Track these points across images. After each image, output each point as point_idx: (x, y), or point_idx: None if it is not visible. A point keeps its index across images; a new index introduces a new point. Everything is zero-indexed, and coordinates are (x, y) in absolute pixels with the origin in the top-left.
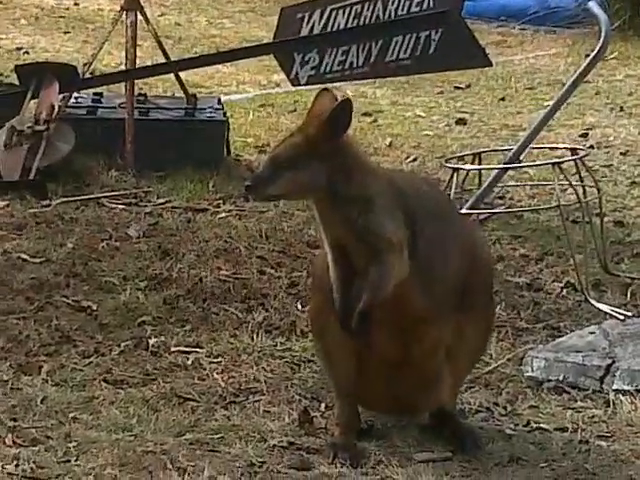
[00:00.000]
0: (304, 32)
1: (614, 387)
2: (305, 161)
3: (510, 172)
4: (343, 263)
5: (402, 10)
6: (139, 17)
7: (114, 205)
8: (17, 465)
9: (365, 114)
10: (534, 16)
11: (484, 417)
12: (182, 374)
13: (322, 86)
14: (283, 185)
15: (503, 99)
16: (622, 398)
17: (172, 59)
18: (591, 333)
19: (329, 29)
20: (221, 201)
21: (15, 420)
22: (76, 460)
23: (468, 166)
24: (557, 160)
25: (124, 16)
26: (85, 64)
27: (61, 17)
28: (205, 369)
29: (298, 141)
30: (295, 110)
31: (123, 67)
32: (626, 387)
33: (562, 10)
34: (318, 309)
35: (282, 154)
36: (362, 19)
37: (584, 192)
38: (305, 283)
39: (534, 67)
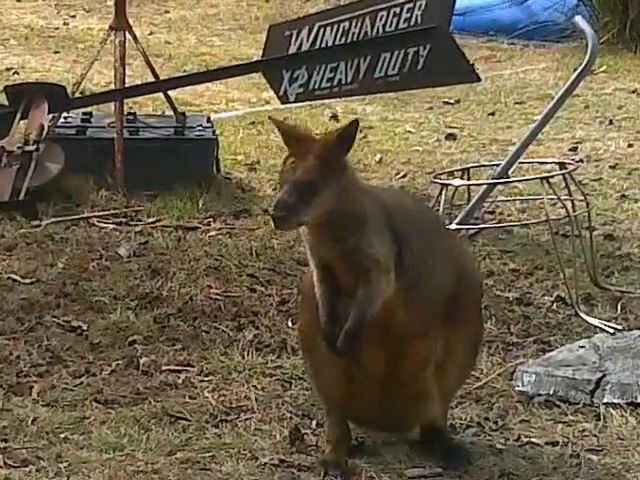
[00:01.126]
0: (292, 49)
1: (605, 401)
2: (326, 183)
3: (499, 187)
4: (329, 282)
5: (390, 26)
6: (128, 36)
7: (104, 225)
8: None
9: None
10: (523, 30)
11: (475, 432)
12: (173, 393)
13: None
14: (313, 210)
15: (493, 114)
16: (613, 412)
17: (161, 77)
18: (581, 347)
19: (317, 46)
20: (211, 219)
21: (6, 441)
22: None
23: (457, 181)
24: (546, 175)
25: (113, 35)
26: (74, 84)
27: (50, 37)
28: (196, 388)
29: (314, 164)
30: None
31: (112, 86)
32: (616, 400)
33: (551, 24)
34: (307, 326)
35: (304, 179)
36: (350, 36)
37: (573, 206)
38: (295, 301)
39: (523, 81)
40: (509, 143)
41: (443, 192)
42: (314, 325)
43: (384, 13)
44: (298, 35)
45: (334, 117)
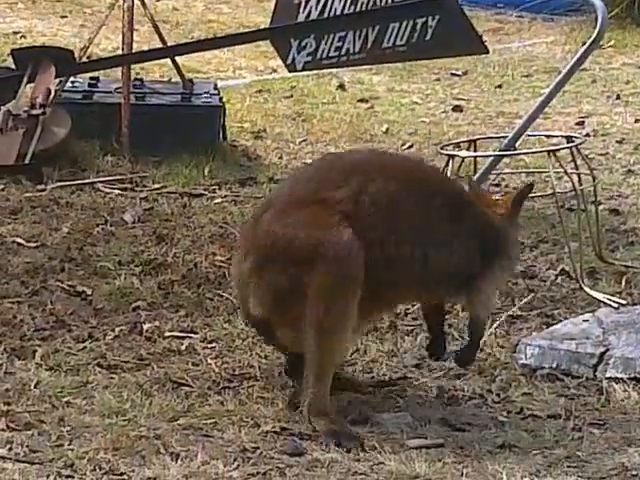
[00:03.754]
0: (301, 18)
1: (607, 375)
2: None
3: (505, 159)
4: None
5: None
6: (136, 1)
7: (109, 190)
8: (10, 449)
9: (361, 100)
10: (531, 3)
11: (477, 404)
12: (176, 359)
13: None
14: None
15: (500, 86)
16: (615, 386)
17: (169, 44)
18: (585, 321)
19: (326, 15)
20: (217, 187)
21: (9, 404)
22: (69, 444)
23: (464, 153)
24: (553, 148)
25: (121, 1)
26: (82, 48)
27: (58, 1)
28: (199, 354)
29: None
30: (292, 96)
31: (120, 52)
32: (619, 375)
33: None
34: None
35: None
36: (359, 5)
37: (579, 180)
38: None
39: (531, 55)
40: (516, 116)
41: (450, 163)
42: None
43: None
44: (307, 3)
45: (341, 87)
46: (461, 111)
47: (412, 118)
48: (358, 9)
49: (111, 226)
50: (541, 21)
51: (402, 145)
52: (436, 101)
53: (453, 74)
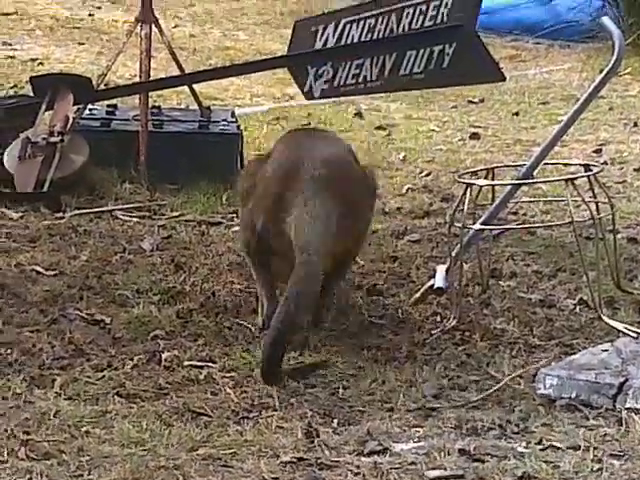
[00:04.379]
0: (318, 45)
1: (627, 405)
2: None
3: (523, 188)
4: None
5: (416, 24)
6: (154, 29)
7: (128, 218)
8: (30, 479)
9: (379, 128)
10: (548, 30)
11: (496, 435)
12: (195, 388)
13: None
14: None
15: (517, 114)
16: (635, 417)
17: (186, 71)
18: (604, 351)
19: (343, 42)
20: (234, 214)
21: (28, 433)
22: (89, 474)
23: (481, 181)
24: (570, 176)
25: (139, 28)
26: (99, 76)
27: (76, 28)
28: (218, 384)
29: None
30: (309, 123)
31: (137, 79)
32: (639, 406)
33: (576, 25)
34: None
35: None
36: (376, 32)
37: (597, 208)
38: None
39: (548, 82)
40: (533, 143)
41: (467, 192)
42: None
43: (410, 10)
44: (324, 31)
45: (358, 114)
46: (478, 139)
47: (429, 146)
48: (375, 37)
49: (129, 254)
50: (558, 48)
51: (419, 173)
52: (453, 129)
53: (470, 101)
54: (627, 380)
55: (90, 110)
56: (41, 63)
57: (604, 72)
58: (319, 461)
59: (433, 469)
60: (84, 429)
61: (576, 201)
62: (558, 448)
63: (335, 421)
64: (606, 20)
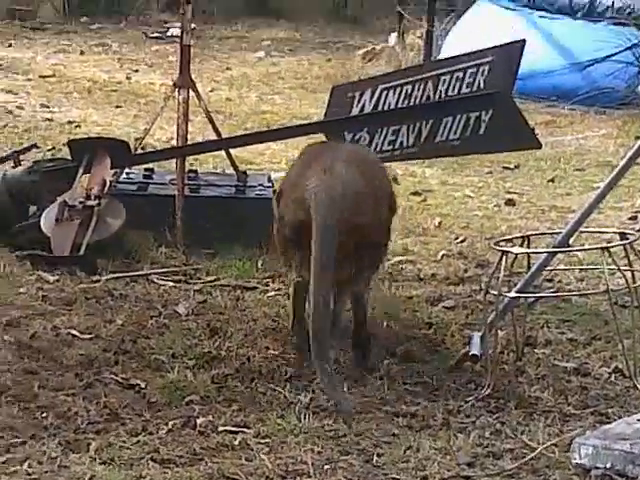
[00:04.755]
0: (355, 111)
1: None
2: None
3: (559, 255)
4: None
5: (453, 91)
6: (191, 93)
7: (163, 282)
8: None
9: (414, 193)
10: (584, 96)
11: None
12: (229, 454)
13: None
14: None
15: (552, 180)
16: None
17: (223, 135)
18: (639, 420)
19: (380, 108)
20: (270, 279)
21: None
22: None
23: (517, 249)
24: (606, 245)
25: (176, 93)
26: (136, 139)
27: (113, 91)
28: (252, 450)
29: None
30: None
31: (174, 142)
32: None
33: (612, 91)
34: None
35: None
36: (412, 99)
37: (633, 277)
38: (349, 361)
39: (583, 148)
40: (568, 210)
41: (503, 259)
42: None
43: (447, 77)
44: (361, 97)
45: (394, 179)
46: (514, 205)
47: (465, 212)
48: (412, 103)
49: (165, 318)
50: (593, 114)
51: (455, 239)
52: (488, 194)
53: (505, 167)
54: None
55: (127, 174)
56: (78, 126)
57: None
58: None
59: None
60: None
61: (611, 269)
62: None
63: None
64: None
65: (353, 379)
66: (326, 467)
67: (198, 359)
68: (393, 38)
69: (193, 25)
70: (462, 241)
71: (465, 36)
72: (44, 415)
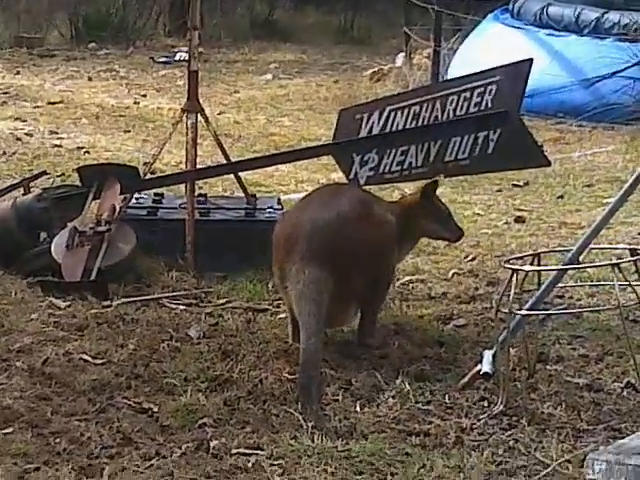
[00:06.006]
0: (363, 133)
1: None
2: None
3: (570, 272)
4: None
5: (460, 110)
6: (199, 118)
7: (175, 305)
8: None
9: None
10: (592, 113)
11: None
12: (243, 476)
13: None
14: None
15: (562, 197)
16: None
17: (231, 158)
18: None
19: (388, 130)
20: (281, 301)
21: None
22: None
23: (527, 267)
24: (616, 261)
25: (185, 117)
26: (145, 164)
27: (121, 116)
28: (266, 471)
29: None
30: None
31: (183, 166)
32: None
33: (620, 107)
34: None
35: None
36: (421, 120)
37: None
38: (364, 384)
39: (592, 164)
40: (578, 226)
41: (514, 277)
42: None
43: (455, 97)
44: (369, 118)
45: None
46: (523, 222)
47: (474, 230)
48: (420, 123)
49: (176, 342)
50: (601, 130)
51: (465, 257)
52: (498, 212)
53: (514, 185)
54: None
55: (137, 199)
56: (87, 151)
57: None
58: None
59: None
60: None
61: (622, 284)
62: None
63: None
64: None
65: (365, 399)
66: None
67: (210, 382)
68: (400, 58)
69: (200, 49)
70: (472, 259)
71: (472, 55)
72: (57, 441)
